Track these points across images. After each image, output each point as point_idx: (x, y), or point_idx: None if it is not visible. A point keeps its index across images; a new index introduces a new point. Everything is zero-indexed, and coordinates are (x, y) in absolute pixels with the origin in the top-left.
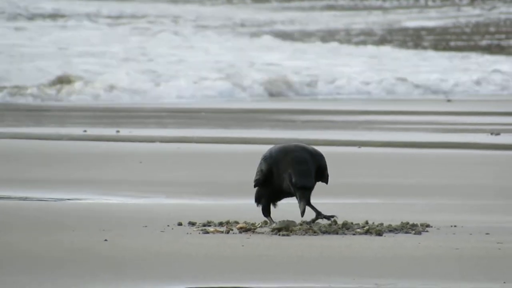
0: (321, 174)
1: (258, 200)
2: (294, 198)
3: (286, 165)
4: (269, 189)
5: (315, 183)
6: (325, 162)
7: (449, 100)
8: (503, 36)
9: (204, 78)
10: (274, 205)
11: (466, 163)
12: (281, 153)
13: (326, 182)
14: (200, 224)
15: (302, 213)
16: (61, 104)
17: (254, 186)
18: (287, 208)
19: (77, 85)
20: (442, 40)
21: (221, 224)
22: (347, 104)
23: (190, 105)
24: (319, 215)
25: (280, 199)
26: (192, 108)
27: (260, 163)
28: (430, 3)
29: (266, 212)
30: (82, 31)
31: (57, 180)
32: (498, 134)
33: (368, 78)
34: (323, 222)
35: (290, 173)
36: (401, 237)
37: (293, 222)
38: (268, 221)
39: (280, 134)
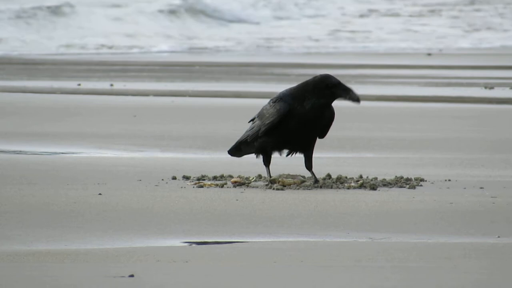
0: (327, 127)
1: (260, 150)
2: (293, 152)
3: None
4: (275, 136)
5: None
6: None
7: (429, 54)
8: None
9: None
10: (280, 153)
11: (459, 116)
12: (297, 90)
13: (323, 137)
14: (195, 178)
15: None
16: (55, 58)
17: (265, 131)
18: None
19: None
20: None
21: (215, 178)
22: (341, 57)
23: (184, 59)
24: (316, 181)
25: (283, 148)
26: (186, 62)
27: (272, 106)
28: None
29: (267, 162)
30: None
31: (51, 134)
32: (492, 88)
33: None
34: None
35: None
36: (395, 191)
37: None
38: (266, 172)
39: (274, 87)
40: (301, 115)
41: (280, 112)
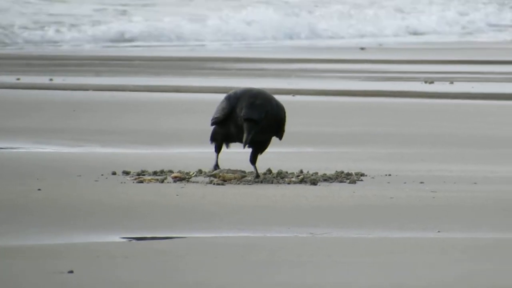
0: (279, 126)
1: (212, 138)
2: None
3: (243, 101)
4: (225, 129)
5: (270, 130)
6: (285, 115)
7: (362, 48)
8: None
9: None
10: (227, 145)
11: (399, 111)
12: (244, 93)
13: (280, 138)
14: (135, 173)
15: (244, 144)
16: None
17: (212, 124)
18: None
19: None
20: None
21: (155, 173)
22: (280, 52)
23: (124, 53)
24: (257, 176)
25: (234, 140)
26: (126, 56)
27: (222, 102)
28: None
29: (218, 149)
30: None
31: None
32: (432, 82)
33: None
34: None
35: (242, 107)
36: (336, 186)
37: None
38: (215, 159)
39: (214, 82)
40: (237, 120)
41: (224, 111)
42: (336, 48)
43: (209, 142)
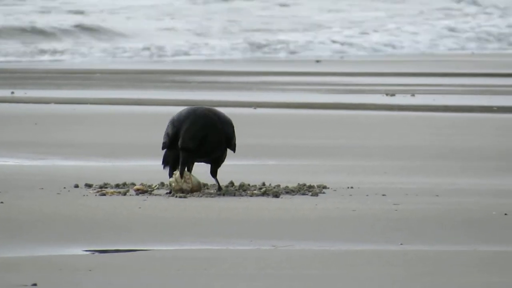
0: (228, 142)
1: (165, 162)
2: (202, 162)
3: (184, 126)
4: (174, 151)
5: (220, 145)
6: (232, 130)
7: (318, 61)
8: None
9: None
10: None
11: (361, 123)
12: (187, 116)
13: (233, 150)
14: (97, 186)
15: (181, 173)
16: None
17: (162, 149)
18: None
19: None
20: None
21: (117, 186)
22: (243, 65)
23: (86, 66)
24: (219, 189)
25: None
26: (87, 69)
27: (168, 126)
28: None
29: (171, 174)
30: None
31: None
32: (393, 95)
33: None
34: (222, 185)
35: (181, 134)
36: (298, 198)
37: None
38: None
39: (175, 95)
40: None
41: (169, 136)
42: (296, 60)
43: (162, 166)
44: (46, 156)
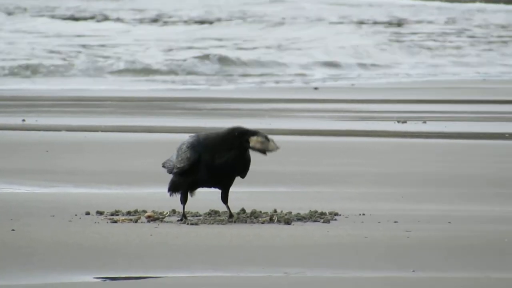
0: (246, 167)
1: (172, 189)
2: (209, 188)
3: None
4: (190, 178)
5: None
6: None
7: (316, 88)
8: None
9: None
10: (192, 194)
11: (373, 150)
12: (206, 138)
13: (243, 177)
14: (108, 213)
15: (264, 136)
16: None
17: (172, 173)
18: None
19: None
20: None
21: (129, 213)
22: (254, 92)
23: (96, 94)
24: (230, 216)
25: (197, 188)
26: (98, 97)
27: (185, 151)
28: None
29: (184, 200)
30: None
31: None
32: (404, 122)
33: None
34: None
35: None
36: (310, 225)
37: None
38: (182, 209)
39: (186, 122)
40: (212, 168)
41: (190, 161)
42: (306, 88)
43: (168, 193)
44: (57, 184)
